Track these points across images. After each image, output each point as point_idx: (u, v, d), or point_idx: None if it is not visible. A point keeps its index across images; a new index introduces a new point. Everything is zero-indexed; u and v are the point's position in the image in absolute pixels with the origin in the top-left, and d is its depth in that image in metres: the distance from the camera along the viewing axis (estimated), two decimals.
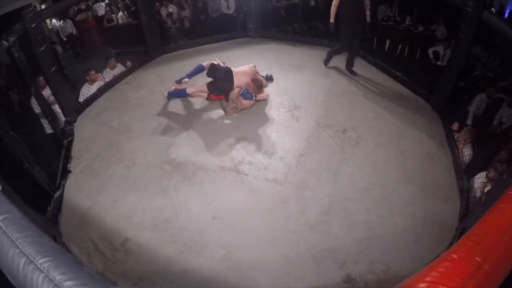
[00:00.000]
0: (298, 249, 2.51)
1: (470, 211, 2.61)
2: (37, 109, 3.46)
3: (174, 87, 4.07)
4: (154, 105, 4.11)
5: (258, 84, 3.81)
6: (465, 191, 2.87)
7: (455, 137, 3.46)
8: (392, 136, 3.55)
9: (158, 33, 5.21)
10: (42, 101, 3.40)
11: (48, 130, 3.56)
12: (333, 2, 4.18)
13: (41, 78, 3.44)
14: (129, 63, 4.83)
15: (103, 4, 6.58)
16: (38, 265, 0.79)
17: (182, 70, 4.82)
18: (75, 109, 3.97)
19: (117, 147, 3.49)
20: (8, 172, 2.19)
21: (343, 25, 4.25)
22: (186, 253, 2.51)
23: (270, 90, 4.18)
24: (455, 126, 3.55)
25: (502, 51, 4.57)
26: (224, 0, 6.09)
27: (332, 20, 4.25)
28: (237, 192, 2.97)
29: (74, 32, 6.31)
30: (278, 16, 6.32)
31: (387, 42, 5.71)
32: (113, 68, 4.60)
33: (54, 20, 6.27)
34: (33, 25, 3.21)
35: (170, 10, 6.04)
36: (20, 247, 0.83)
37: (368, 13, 4.16)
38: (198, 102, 4.11)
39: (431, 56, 5.16)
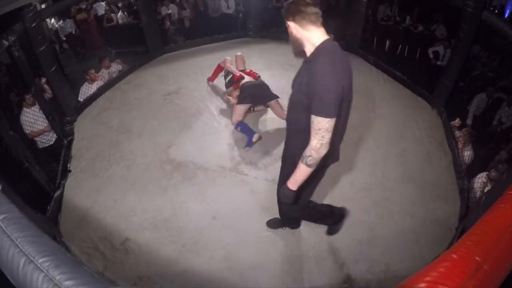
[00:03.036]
0: (298, 249, 2.51)
1: (470, 211, 2.61)
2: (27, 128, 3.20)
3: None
4: (154, 105, 4.11)
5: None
6: (465, 191, 2.87)
7: (456, 134, 3.46)
8: (392, 136, 3.55)
9: (158, 33, 5.21)
10: (41, 101, 3.39)
11: (41, 144, 3.39)
12: None
13: (29, 96, 3.20)
14: (117, 60, 4.84)
15: (103, 3, 6.57)
16: (38, 265, 0.79)
17: (182, 70, 4.85)
18: (75, 109, 3.98)
19: (117, 147, 3.49)
20: (8, 172, 2.19)
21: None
22: (186, 253, 2.51)
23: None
24: (457, 122, 3.54)
25: (502, 51, 4.57)
26: (224, 0, 6.09)
27: None
28: (237, 192, 2.97)
29: (73, 32, 6.31)
30: (278, 16, 6.29)
31: (387, 42, 5.70)
32: (107, 68, 4.59)
33: (52, 20, 6.26)
34: (33, 25, 3.22)
35: (169, 11, 6.04)
36: (20, 246, 0.83)
37: None
38: (198, 102, 4.11)
39: (431, 56, 5.16)
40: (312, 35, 1.52)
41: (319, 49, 1.51)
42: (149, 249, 2.54)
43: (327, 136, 1.46)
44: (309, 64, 1.53)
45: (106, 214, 2.82)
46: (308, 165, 1.54)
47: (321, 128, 1.45)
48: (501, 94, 4.15)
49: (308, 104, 1.49)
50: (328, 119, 1.43)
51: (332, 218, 2.38)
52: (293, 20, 1.51)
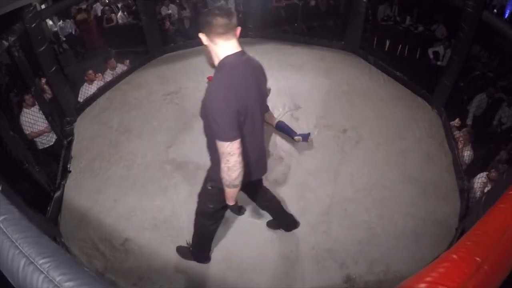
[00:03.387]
0: (298, 250, 2.51)
1: (470, 211, 2.61)
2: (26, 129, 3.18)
3: None
4: (154, 105, 4.11)
5: None
6: (465, 191, 2.87)
7: (455, 134, 3.46)
8: (392, 136, 3.55)
9: (158, 33, 5.21)
10: (41, 101, 3.39)
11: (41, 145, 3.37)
12: None
13: (28, 96, 3.19)
14: (127, 61, 4.83)
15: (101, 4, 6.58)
16: (38, 266, 0.78)
17: (182, 70, 4.85)
18: (75, 109, 3.98)
19: (117, 147, 3.49)
20: (8, 173, 2.19)
21: None
22: None
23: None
24: (457, 122, 3.55)
25: (502, 51, 4.57)
26: (224, 0, 6.09)
27: None
28: None
29: (73, 32, 6.31)
30: (278, 16, 6.31)
31: (387, 42, 5.71)
32: (113, 68, 4.60)
33: (51, 22, 6.25)
34: (33, 25, 3.22)
35: (169, 11, 6.04)
36: (20, 248, 0.82)
37: None
38: (198, 102, 4.10)
39: (431, 56, 5.16)
40: (218, 49, 1.41)
41: (220, 65, 1.42)
42: (149, 249, 2.54)
43: (232, 159, 1.40)
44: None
45: (106, 214, 2.82)
46: (226, 186, 1.52)
47: (224, 152, 1.39)
48: (501, 94, 4.15)
49: (209, 126, 1.41)
50: (227, 143, 1.36)
51: (202, 254, 2.38)
52: (203, 32, 1.41)
